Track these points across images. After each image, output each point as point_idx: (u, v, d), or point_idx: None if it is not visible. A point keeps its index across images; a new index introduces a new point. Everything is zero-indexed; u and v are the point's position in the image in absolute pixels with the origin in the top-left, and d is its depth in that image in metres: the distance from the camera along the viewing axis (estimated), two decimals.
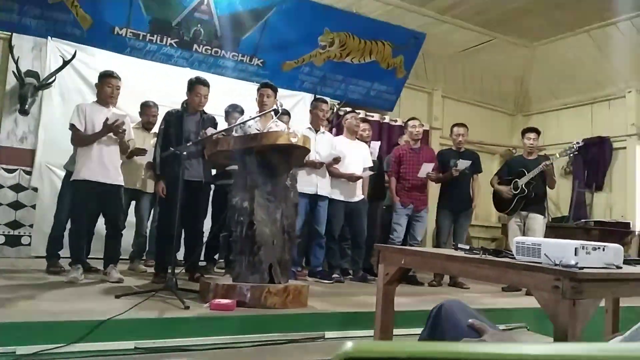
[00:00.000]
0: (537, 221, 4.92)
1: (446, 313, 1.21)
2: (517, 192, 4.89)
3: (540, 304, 1.60)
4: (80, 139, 3.83)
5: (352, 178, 4.90)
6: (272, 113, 3.92)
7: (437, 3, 6.15)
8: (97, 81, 4.03)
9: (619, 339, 0.97)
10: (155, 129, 4.85)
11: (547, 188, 5.10)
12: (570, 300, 1.48)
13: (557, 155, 4.96)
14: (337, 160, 4.79)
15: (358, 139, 5.18)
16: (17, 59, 4.99)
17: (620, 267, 1.68)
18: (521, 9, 6.13)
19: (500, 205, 5.15)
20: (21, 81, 5.02)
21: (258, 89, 4.19)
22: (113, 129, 3.75)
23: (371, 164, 5.13)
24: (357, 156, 5.01)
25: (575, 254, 1.57)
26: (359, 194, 5.01)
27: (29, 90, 5.04)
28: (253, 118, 4.05)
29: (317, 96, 5.66)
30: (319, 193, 4.74)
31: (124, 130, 3.85)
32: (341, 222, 4.93)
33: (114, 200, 3.92)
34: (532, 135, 5.04)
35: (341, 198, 4.90)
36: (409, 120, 5.35)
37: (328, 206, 4.89)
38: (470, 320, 1.11)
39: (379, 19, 6.37)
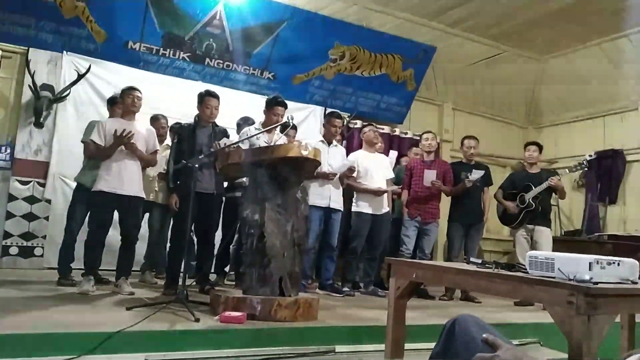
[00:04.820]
0: (545, 234, 4.98)
1: (460, 327, 1.20)
2: (524, 206, 4.91)
3: (554, 320, 1.58)
4: (95, 152, 3.90)
5: (378, 193, 4.89)
6: (278, 127, 3.96)
7: (448, 16, 6.17)
8: (119, 98, 4.11)
9: (637, 356, 0.95)
10: (166, 141, 4.91)
11: (553, 201, 5.13)
12: (585, 316, 1.45)
13: (567, 171, 5.02)
14: (351, 170, 4.79)
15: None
16: (33, 73, 5.09)
17: (636, 282, 1.65)
18: (532, 21, 6.13)
19: (507, 219, 5.14)
20: (36, 94, 5.11)
21: (270, 105, 4.15)
22: (123, 140, 3.80)
23: (392, 175, 5.13)
24: (380, 169, 5.01)
25: (590, 269, 1.55)
26: (385, 206, 5.00)
27: (44, 103, 5.12)
28: (262, 131, 4.07)
29: (332, 110, 5.66)
30: (331, 206, 4.73)
31: (133, 143, 3.89)
32: (365, 237, 4.89)
33: (133, 212, 3.95)
34: (532, 148, 5.17)
35: (369, 211, 4.88)
36: (423, 133, 5.36)
37: (354, 220, 4.88)
38: (484, 335, 1.10)
39: (389, 33, 6.41)
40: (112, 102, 4.45)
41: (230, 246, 4.78)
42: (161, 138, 4.93)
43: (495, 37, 6.65)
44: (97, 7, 5.22)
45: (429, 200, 5.12)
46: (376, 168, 4.97)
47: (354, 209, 4.93)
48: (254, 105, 5.57)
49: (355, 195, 4.98)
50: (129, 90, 4.00)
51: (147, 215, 4.80)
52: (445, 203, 5.35)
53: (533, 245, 4.90)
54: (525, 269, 1.81)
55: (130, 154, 3.89)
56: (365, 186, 4.87)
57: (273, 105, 4.12)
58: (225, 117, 4.52)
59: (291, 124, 3.77)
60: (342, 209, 4.85)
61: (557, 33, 6.41)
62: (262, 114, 4.26)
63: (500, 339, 1.10)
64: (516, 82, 7.74)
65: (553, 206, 5.83)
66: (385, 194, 4.99)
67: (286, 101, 4.26)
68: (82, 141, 4.37)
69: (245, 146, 4.03)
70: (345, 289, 4.78)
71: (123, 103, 4.02)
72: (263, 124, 4.18)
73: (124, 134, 3.78)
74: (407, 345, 2.31)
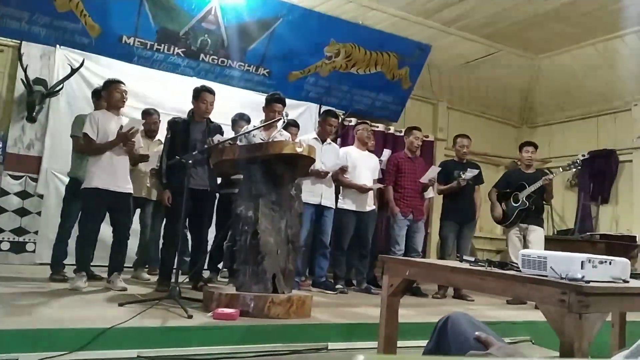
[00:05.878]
0: (537, 233, 5.00)
1: (453, 325, 1.20)
2: (517, 204, 4.93)
3: (546, 318, 1.59)
4: (93, 148, 3.81)
5: (363, 189, 4.90)
6: (278, 123, 3.94)
7: (443, 15, 6.17)
8: (102, 89, 4.03)
9: (624, 353, 0.96)
10: (158, 136, 4.89)
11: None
12: (576, 314, 1.46)
13: (561, 170, 5.02)
14: (343, 169, 4.80)
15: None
16: (26, 67, 5.04)
17: (627, 282, 1.67)
18: (527, 21, 6.14)
19: (500, 218, 5.15)
20: (29, 89, 5.06)
21: (268, 102, 4.11)
22: (129, 136, 3.76)
23: (380, 175, 5.13)
24: (368, 167, 5.02)
25: (582, 268, 1.56)
26: (370, 204, 5.01)
27: (36, 97, 5.08)
28: (258, 127, 4.06)
29: (328, 109, 5.64)
30: (323, 204, 4.73)
31: (134, 141, 3.86)
32: (351, 233, 4.91)
33: (124, 208, 3.92)
34: (531, 149, 5.15)
35: (353, 208, 4.89)
36: (412, 129, 5.28)
37: (339, 216, 4.88)
38: (476, 333, 1.11)
39: (384, 31, 6.40)
40: (98, 94, 4.35)
41: (224, 243, 4.77)
42: (153, 133, 4.91)
43: (490, 37, 6.66)
44: (91, 1, 5.18)
45: (418, 197, 5.13)
46: (364, 166, 4.99)
47: (339, 205, 4.93)
48: (248, 101, 5.57)
49: (341, 191, 4.99)
50: (116, 84, 3.90)
51: (139, 211, 4.78)
52: (437, 202, 5.37)
53: (525, 244, 4.93)
54: (518, 268, 1.82)
55: (121, 149, 3.84)
56: (351, 181, 4.88)
57: (271, 103, 4.10)
58: (220, 114, 4.50)
59: (285, 120, 3.75)
60: (334, 207, 4.86)
61: (552, 33, 6.43)
62: (256, 110, 4.25)
63: (493, 337, 1.10)
64: (510, 82, 7.76)
65: (546, 205, 5.86)
66: (371, 192, 4.99)
67: None
68: (71, 136, 4.32)
69: (240, 143, 4.02)
70: (339, 286, 4.79)
71: (110, 97, 3.91)
72: (264, 122, 4.16)
73: (129, 132, 3.74)
74: (399, 343, 2.32)
